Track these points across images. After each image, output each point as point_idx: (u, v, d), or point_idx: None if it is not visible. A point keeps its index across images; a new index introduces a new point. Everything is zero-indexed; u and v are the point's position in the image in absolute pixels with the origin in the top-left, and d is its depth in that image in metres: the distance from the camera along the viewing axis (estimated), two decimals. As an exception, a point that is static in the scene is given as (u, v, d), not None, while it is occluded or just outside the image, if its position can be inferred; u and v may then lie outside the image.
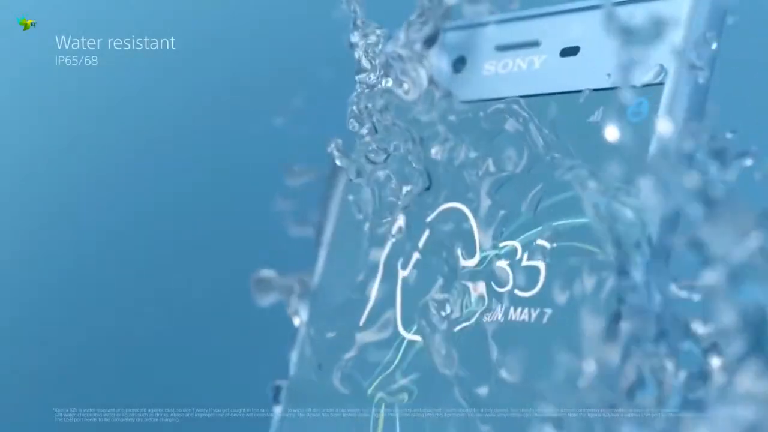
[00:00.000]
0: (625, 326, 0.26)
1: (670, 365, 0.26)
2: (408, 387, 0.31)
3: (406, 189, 0.33)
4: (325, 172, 0.36)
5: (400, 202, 0.33)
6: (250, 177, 0.53)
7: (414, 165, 0.32)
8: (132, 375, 0.53)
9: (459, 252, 0.31)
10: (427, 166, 0.32)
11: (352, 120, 0.33)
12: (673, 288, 0.26)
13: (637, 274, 0.26)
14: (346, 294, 0.34)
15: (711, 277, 0.24)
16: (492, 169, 0.31)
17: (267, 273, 0.36)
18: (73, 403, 0.39)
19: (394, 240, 0.33)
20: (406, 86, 0.33)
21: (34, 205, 0.57)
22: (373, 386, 0.32)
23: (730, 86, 0.29)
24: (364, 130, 0.33)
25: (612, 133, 0.26)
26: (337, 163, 0.33)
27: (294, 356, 0.35)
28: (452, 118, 0.32)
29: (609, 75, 0.29)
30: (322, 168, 0.36)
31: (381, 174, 0.33)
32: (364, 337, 0.33)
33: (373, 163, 0.33)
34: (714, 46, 0.28)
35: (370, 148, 0.33)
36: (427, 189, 0.32)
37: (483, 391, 0.29)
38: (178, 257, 0.55)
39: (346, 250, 0.35)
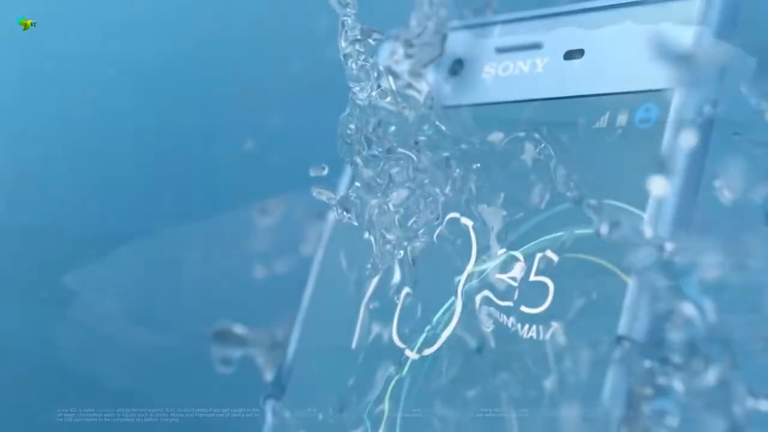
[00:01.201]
0: None
1: None
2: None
3: (410, 221, 0.29)
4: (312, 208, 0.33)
5: (397, 239, 0.30)
6: (249, 174, 0.53)
7: (418, 193, 0.29)
8: (132, 375, 0.53)
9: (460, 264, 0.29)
10: (433, 193, 0.29)
11: (340, 141, 0.29)
12: (750, 400, 0.22)
13: (706, 377, 0.22)
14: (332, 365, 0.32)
15: None
16: (503, 212, 0.29)
17: (234, 329, 0.33)
18: (73, 403, 0.39)
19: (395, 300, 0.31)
20: (402, 104, 0.30)
21: (34, 205, 0.57)
22: None
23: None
24: (356, 156, 0.29)
25: (659, 185, 0.24)
26: (315, 195, 0.30)
27: None
28: (464, 145, 0.30)
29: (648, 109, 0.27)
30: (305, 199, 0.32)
31: (376, 206, 0.29)
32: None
33: (370, 192, 0.29)
34: (724, 50, 0.27)
35: (364, 176, 0.29)
36: (437, 220, 0.30)
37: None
38: (179, 256, 0.55)
39: (331, 312, 0.32)
